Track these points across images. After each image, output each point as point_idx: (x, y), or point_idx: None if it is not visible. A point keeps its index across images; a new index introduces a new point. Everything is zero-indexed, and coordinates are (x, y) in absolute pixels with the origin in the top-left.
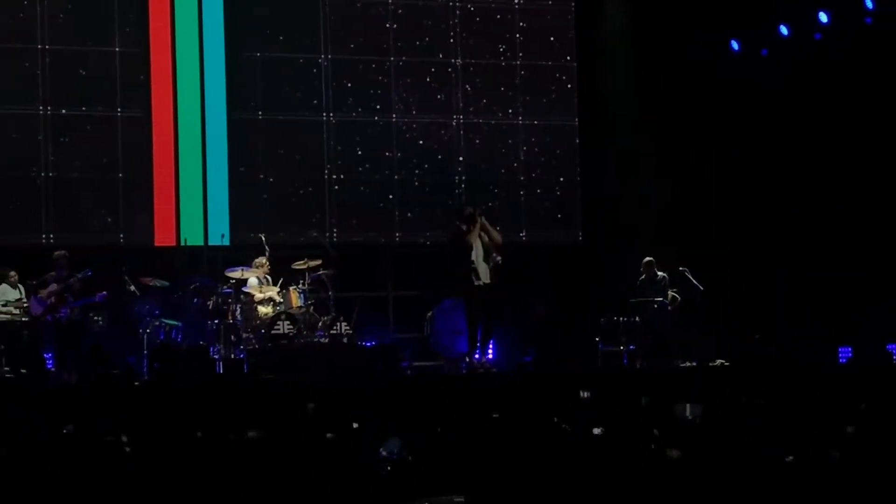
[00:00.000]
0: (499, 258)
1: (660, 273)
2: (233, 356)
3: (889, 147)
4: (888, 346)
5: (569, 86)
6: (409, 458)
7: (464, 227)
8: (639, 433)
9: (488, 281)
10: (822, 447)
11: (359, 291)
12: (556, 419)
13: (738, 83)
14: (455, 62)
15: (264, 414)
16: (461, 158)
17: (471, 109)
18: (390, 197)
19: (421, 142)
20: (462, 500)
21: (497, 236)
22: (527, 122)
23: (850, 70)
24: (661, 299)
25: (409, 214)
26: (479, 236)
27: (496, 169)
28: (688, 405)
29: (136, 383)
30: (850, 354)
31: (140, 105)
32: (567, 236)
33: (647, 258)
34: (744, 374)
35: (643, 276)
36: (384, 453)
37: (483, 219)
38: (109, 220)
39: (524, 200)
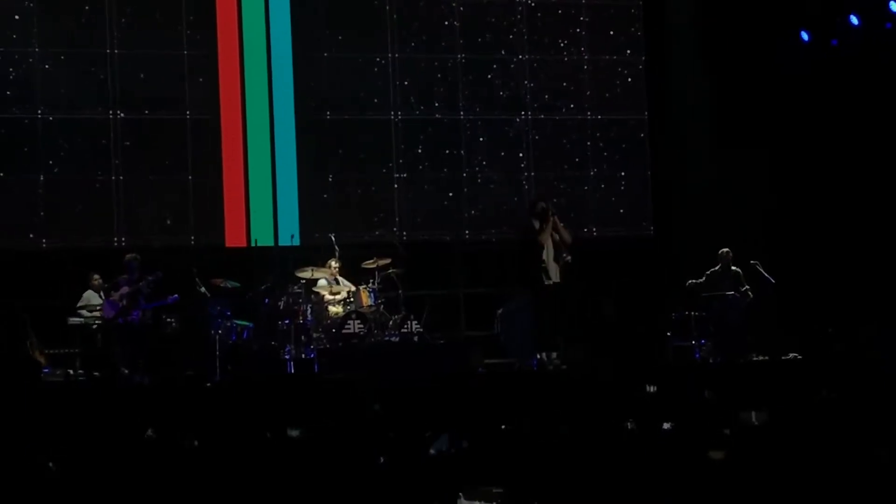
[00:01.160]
0: (568, 257)
1: (734, 267)
2: (303, 356)
3: None
4: None
5: (634, 80)
6: (478, 454)
7: (536, 224)
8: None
9: (558, 280)
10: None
11: (429, 290)
12: (623, 421)
13: (804, 75)
14: (519, 58)
15: (334, 413)
16: (522, 155)
17: (536, 105)
18: (452, 195)
19: (486, 139)
20: (500, 490)
21: (567, 235)
22: (594, 117)
23: None
24: (731, 293)
25: (475, 212)
26: (551, 235)
27: (563, 165)
28: (753, 412)
29: (208, 385)
30: None
31: (209, 107)
32: (638, 231)
33: (724, 249)
34: (815, 368)
35: (718, 267)
36: (436, 451)
37: (555, 217)
38: (169, 221)
39: (593, 196)
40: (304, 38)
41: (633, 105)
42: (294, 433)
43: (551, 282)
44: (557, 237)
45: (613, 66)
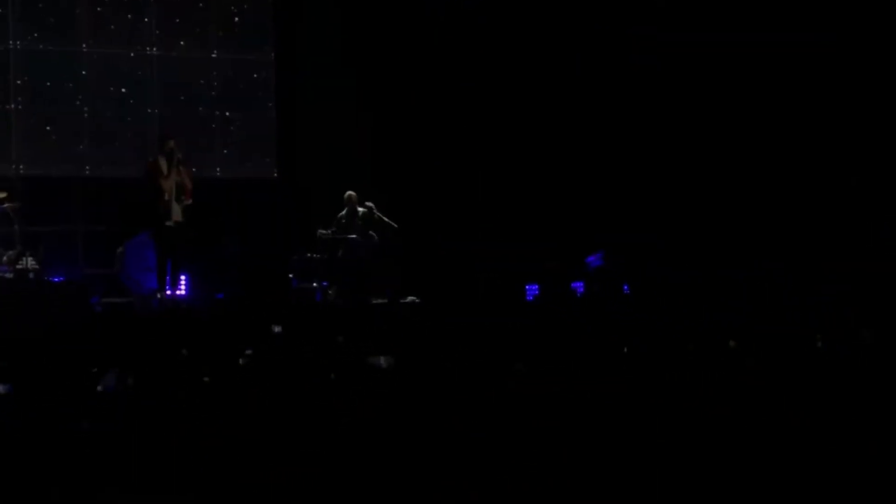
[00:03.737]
0: (188, 201)
1: (361, 209)
2: None
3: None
4: (573, 284)
5: (259, 15)
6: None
7: (162, 163)
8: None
9: (180, 219)
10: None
11: (47, 226)
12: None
13: (438, 24)
14: None
15: None
16: (126, 91)
17: (164, 42)
18: (73, 130)
19: (113, 74)
20: None
21: (189, 181)
22: (221, 56)
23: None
24: (354, 236)
25: (97, 149)
26: (175, 175)
27: (190, 103)
28: (381, 357)
29: None
30: (537, 291)
31: None
32: (262, 172)
33: (349, 192)
34: (433, 309)
35: (345, 211)
36: (101, 388)
37: (180, 158)
38: None
39: (219, 136)
40: None
41: (263, 44)
42: None
43: (172, 222)
44: (180, 179)
45: (242, 3)
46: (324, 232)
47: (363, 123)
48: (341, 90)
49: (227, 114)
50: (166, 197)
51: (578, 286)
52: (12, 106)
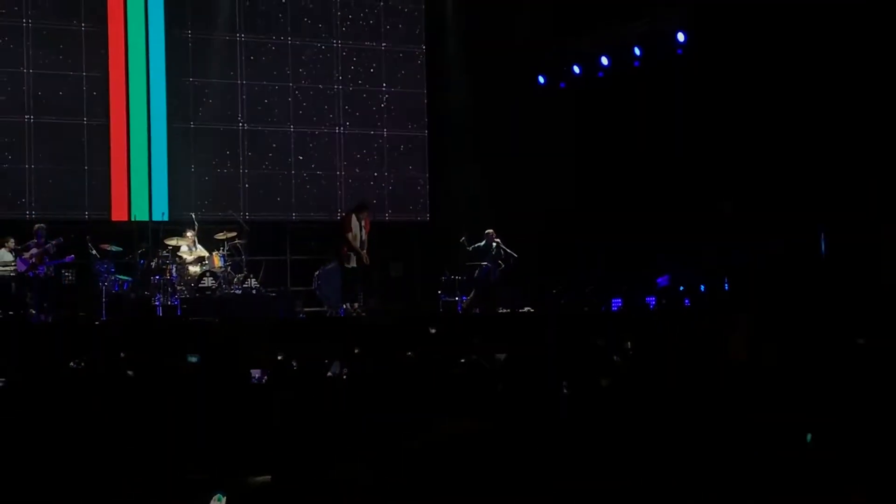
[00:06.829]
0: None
1: (494, 242)
2: (169, 303)
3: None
4: (647, 299)
5: (419, 105)
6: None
7: (355, 219)
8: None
9: (357, 264)
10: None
11: (264, 256)
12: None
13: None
14: (336, 88)
15: (194, 346)
16: (339, 161)
17: (347, 123)
18: (282, 186)
19: (310, 146)
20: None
21: (365, 234)
22: (389, 132)
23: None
24: (486, 263)
25: (299, 199)
26: (362, 227)
27: (366, 168)
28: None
29: (97, 323)
30: (620, 304)
31: (101, 115)
32: (419, 217)
33: (489, 230)
34: (542, 317)
35: (483, 243)
36: (331, 373)
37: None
38: (69, 200)
39: (388, 191)
40: (174, 67)
41: (420, 124)
42: (193, 359)
43: (352, 265)
44: (363, 234)
45: (404, 96)
46: (464, 241)
47: (493, 182)
48: (473, 161)
49: (394, 175)
50: (350, 244)
51: (651, 300)
52: (241, 170)
